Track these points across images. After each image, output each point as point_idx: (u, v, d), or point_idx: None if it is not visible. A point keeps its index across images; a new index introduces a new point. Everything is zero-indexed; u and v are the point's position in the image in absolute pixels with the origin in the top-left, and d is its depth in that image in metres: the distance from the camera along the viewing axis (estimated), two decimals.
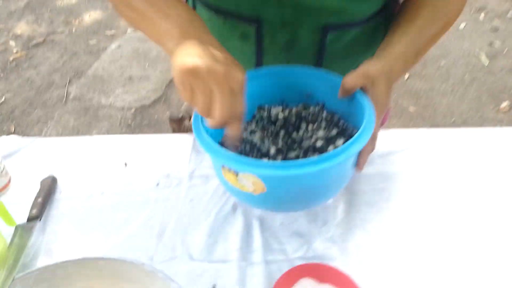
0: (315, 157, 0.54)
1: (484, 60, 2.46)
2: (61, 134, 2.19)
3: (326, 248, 0.69)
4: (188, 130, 1.46)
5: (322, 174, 0.59)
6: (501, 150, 0.84)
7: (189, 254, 0.70)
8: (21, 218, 0.74)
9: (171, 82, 2.51)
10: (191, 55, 0.48)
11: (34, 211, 0.75)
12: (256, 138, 0.71)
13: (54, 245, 0.72)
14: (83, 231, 0.74)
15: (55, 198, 0.80)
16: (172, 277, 0.58)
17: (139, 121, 2.29)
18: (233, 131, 0.54)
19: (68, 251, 0.71)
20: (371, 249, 0.69)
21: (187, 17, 0.58)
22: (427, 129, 0.91)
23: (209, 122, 0.53)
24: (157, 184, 0.82)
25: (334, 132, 0.70)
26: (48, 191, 0.80)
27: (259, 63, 0.80)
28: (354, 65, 0.72)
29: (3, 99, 2.44)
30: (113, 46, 2.81)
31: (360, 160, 0.65)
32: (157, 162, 0.87)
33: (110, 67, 2.65)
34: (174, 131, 1.47)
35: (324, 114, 0.73)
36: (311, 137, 0.70)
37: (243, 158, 0.56)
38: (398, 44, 0.68)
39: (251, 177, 0.58)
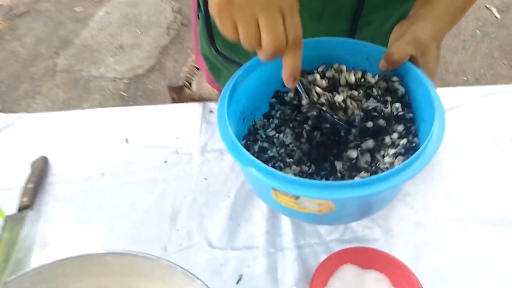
0: (389, 172, 0.44)
1: (496, 13, 2.33)
2: (51, 109, 2.06)
3: (365, 228, 0.60)
4: (189, 99, 1.35)
5: (395, 187, 0.48)
6: None
7: (208, 241, 0.61)
8: (11, 207, 0.64)
9: (165, 49, 2.36)
10: None
11: (25, 198, 0.65)
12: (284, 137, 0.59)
13: (49, 237, 0.62)
14: (83, 220, 0.64)
15: (48, 182, 0.70)
16: (192, 271, 0.49)
17: (133, 92, 2.16)
18: (290, 62, 0.44)
19: (67, 244, 0.62)
20: (417, 226, 0.60)
21: None
22: (440, 89, 0.80)
23: (260, 55, 0.43)
24: (165, 162, 0.72)
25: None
26: (39, 174, 0.69)
27: None
28: (396, 14, 0.61)
29: None
30: (101, 12, 2.63)
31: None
32: (163, 136, 0.76)
33: (99, 35, 2.48)
34: (174, 101, 1.35)
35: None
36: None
37: (307, 181, 0.44)
38: (441, 10, 0.55)
39: (319, 200, 0.48)
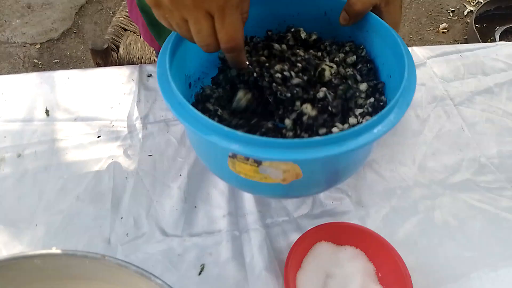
0: (364, 125, 0.38)
1: None
2: None
3: (335, 201, 0.55)
4: (117, 65, 1.19)
5: (370, 144, 0.40)
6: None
7: (160, 228, 0.52)
8: None
9: (81, 9, 2.10)
10: None
11: None
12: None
13: None
14: (0, 214, 0.52)
15: None
16: (145, 266, 0.40)
17: (48, 58, 1.90)
18: (232, 63, 0.43)
19: None
20: (386, 194, 0.57)
21: None
22: None
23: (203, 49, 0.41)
24: (98, 137, 0.60)
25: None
26: None
27: None
28: None
29: None
30: None
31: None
32: (93, 106, 0.64)
33: None
34: (98, 66, 1.19)
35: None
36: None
37: (269, 140, 0.36)
38: None
39: (284, 164, 0.40)
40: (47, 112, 0.62)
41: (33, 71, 1.85)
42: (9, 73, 1.82)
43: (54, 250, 0.41)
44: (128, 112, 0.63)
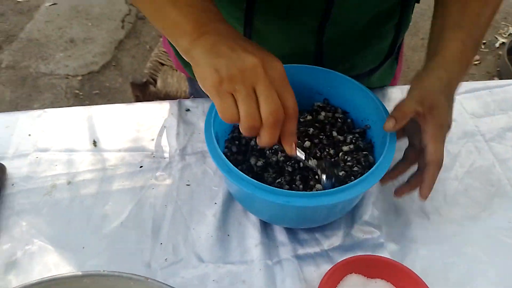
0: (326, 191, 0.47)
1: None
2: None
3: (366, 234, 0.57)
4: (155, 97, 1.26)
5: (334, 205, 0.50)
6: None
7: (196, 255, 0.55)
8: None
9: (120, 44, 2.23)
10: (214, 66, 0.40)
11: None
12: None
13: (14, 258, 0.53)
14: (50, 237, 0.56)
15: (6, 193, 0.60)
16: None
17: (88, 89, 2.02)
18: (262, 141, 0.42)
19: (35, 264, 0.53)
20: (419, 230, 0.58)
21: (200, 5, 0.45)
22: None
23: (259, 141, 0.42)
24: (141, 167, 0.64)
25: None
26: None
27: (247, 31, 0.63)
28: (366, 18, 0.61)
29: None
30: (47, 3, 2.44)
31: (429, 187, 0.52)
32: (136, 138, 0.68)
33: (46, 28, 2.30)
34: (138, 99, 1.26)
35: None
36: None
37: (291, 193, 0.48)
38: (454, 42, 0.52)
39: None
40: (94, 143, 0.68)
41: (74, 101, 1.96)
42: (52, 102, 1.94)
43: (102, 271, 0.44)
44: (168, 144, 0.67)
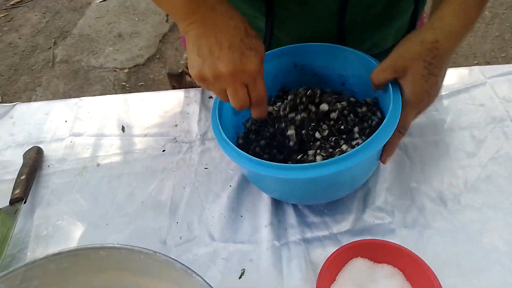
0: (328, 160, 0.47)
1: None
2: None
3: (377, 219, 0.57)
4: (190, 87, 1.31)
5: (337, 174, 0.49)
6: None
7: (209, 233, 0.57)
8: (2, 200, 0.61)
9: (164, 37, 2.31)
10: (196, 61, 0.47)
11: (17, 191, 0.62)
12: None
13: (45, 232, 0.59)
14: (79, 213, 0.61)
15: (42, 174, 0.66)
16: (192, 265, 0.46)
17: (134, 82, 2.12)
18: (255, 113, 0.53)
19: (63, 238, 0.58)
20: (432, 216, 0.57)
21: None
22: (452, 69, 0.75)
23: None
24: (163, 151, 0.68)
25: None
26: (32, 166, 0.66)
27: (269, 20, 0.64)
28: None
29: None
30: (97, 0, 2.57)
31: (387, 152, 0.54)
32: (161, 124, 0.72)
33: (96, 24, 2.43)
34: (174, 89, 1.31)
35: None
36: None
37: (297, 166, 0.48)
38: (448, 17, 0.50)
39: None
40: (123, 128, 0.72)
41: (121, 93, 2.06)
42: (101, 94, 2.06)
43: (116, 245, 0.48)
44: (189, 129, 0.71)
